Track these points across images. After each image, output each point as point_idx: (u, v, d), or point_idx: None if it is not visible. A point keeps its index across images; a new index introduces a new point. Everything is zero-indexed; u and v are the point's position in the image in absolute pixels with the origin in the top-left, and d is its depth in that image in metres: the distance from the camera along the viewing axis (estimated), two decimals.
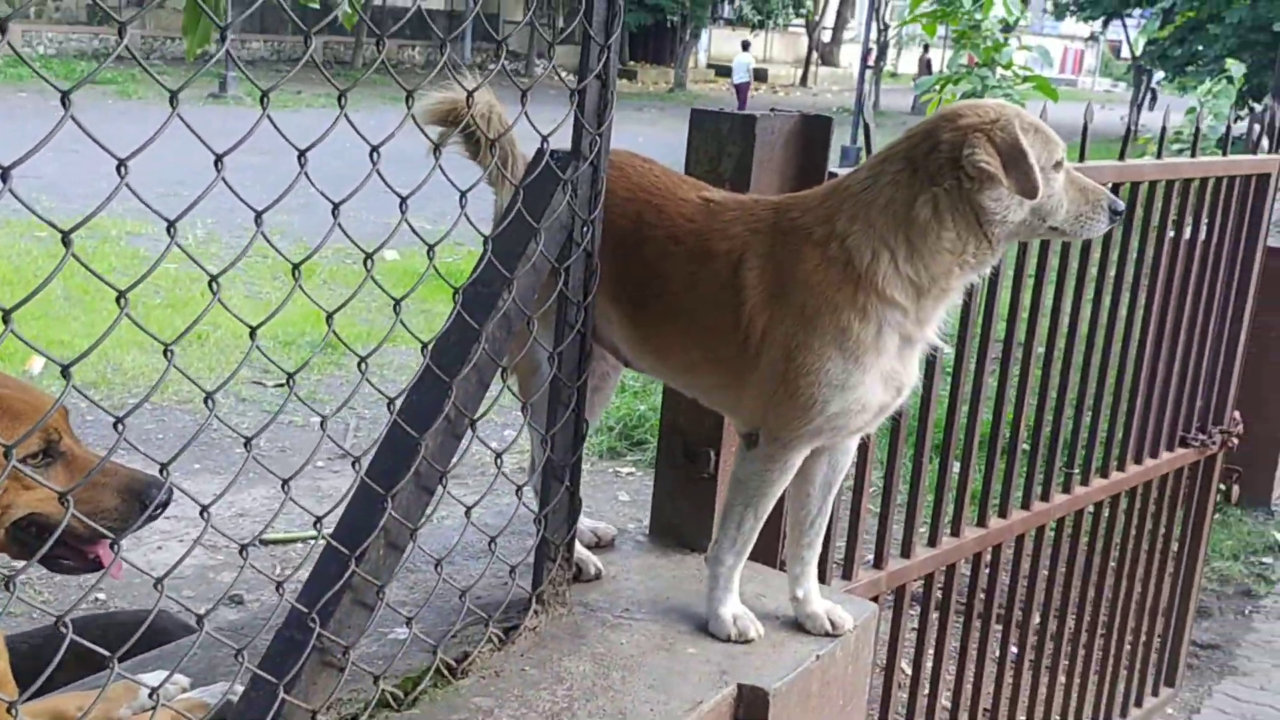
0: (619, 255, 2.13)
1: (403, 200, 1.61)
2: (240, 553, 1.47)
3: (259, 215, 1.42)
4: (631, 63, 40.70)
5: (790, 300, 2.00)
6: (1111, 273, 3.56)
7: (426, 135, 1.87)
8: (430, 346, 1.78)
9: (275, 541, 5.27)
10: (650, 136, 17.40)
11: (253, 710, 1.55)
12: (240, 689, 1.59)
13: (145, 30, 30.65)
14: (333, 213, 1.51)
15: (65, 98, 1.17)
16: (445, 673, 1.88)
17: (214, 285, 1.38)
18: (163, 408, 6.83)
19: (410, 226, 1.66)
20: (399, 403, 1.76)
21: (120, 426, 1.27)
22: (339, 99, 1.48)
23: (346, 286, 9.53)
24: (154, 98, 21.57)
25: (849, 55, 46.83)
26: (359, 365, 1.62)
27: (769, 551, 2.43)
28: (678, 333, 2.15)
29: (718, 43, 46.85)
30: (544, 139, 1.92)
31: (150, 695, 1.40)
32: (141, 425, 6.49)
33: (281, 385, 7.09)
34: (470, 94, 1.86)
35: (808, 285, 1.98)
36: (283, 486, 1.52)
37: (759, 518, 2.14)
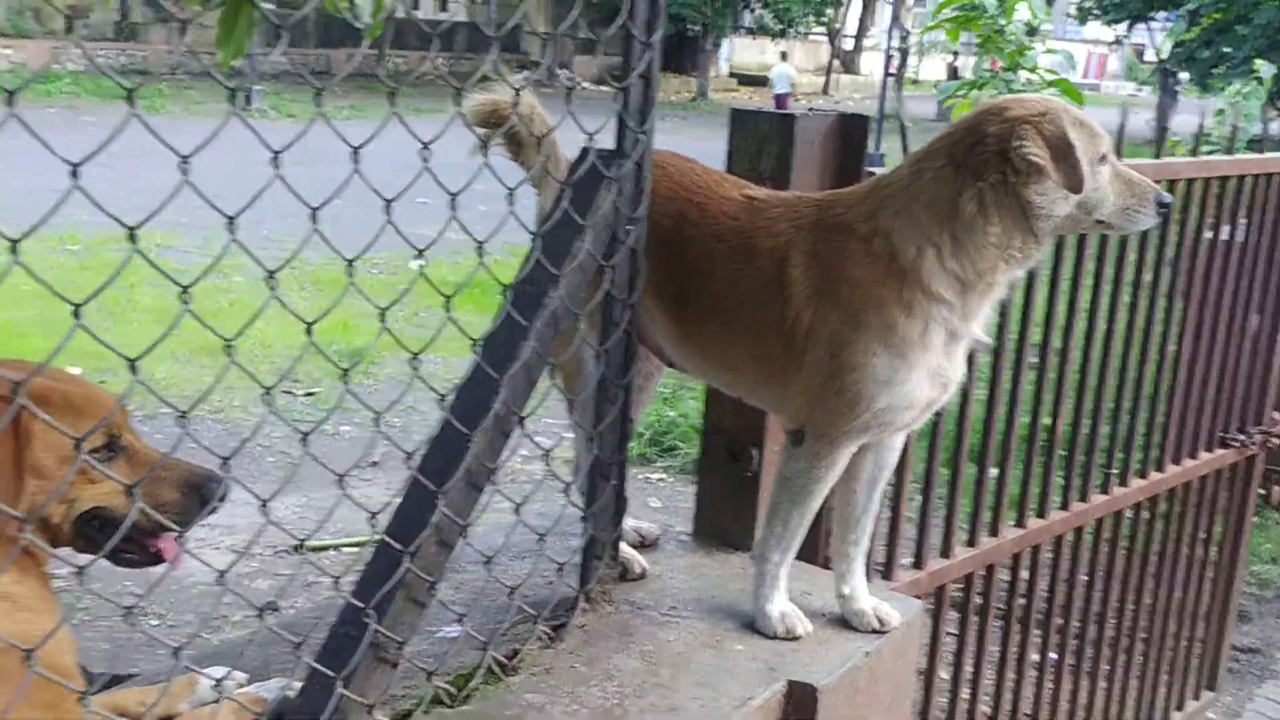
0: (662, 254, 2.13)
1: (453, 197, 1.62)
2: (297, 549, 1.49)
3: (315, 211, 1.45)
4: None
5: (836, 296, 2.00)
6: (1148, 274, 3.54)
7: (474, 132, 1.88)
8: (480, 344, 1.79)
9: (313, 549, 5.29)
10: (674, 145, 17.11)
11: (311, 704, 1.56)
12: (298, 685, 1.60)
13: (171, 47, 30.98)
14: (385, 209, 1.52)
15: (131, 96, 1.19)
16: (496, 670, 1.88)
17: (272, 281, 1.40)
18: (195, 418, 6.83)
19: (460, 223, 1.67)
20: (449, 400, 1.77)
21: (185, 421, 1.28)
22: (389, 97, 1.50)
23: (374, 297, 9.55)
24: (180, 112, 21.73)
25: (870, 63, 46.75)
26: (410, 362, 1.64)
27: (812, 550, 2.42)
28: (721, 330, 2.15)
29: (740, 52, 46.85)
30: (590, 137, 1.93)
31: (214, 688, 1.41)
32: (175, 435, 6.52)
33: (312, 394, 7.13)
34: (517, 92, 1.87)
35: (853, 281, 1.98)
36: (339, 481, 1.54)
37: (805, 515, 2.13)
